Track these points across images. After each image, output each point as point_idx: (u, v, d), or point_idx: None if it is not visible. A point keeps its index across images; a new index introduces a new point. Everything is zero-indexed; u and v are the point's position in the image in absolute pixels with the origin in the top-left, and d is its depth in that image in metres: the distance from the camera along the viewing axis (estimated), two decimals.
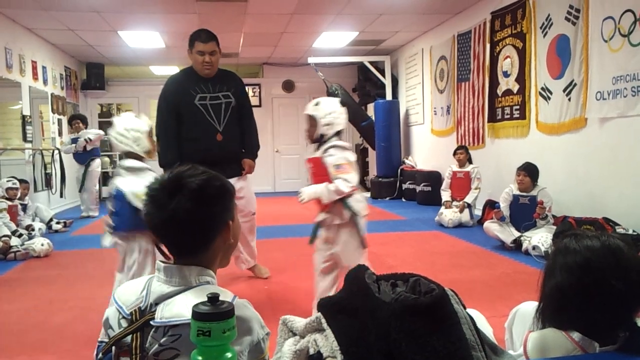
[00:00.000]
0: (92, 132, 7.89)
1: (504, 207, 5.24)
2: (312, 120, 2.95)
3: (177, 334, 1.15)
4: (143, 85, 11.61)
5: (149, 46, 9.21)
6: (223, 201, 1.28)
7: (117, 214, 2.73)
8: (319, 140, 2.96)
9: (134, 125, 2.84)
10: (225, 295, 1.18)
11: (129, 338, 1.17)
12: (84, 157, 7.79)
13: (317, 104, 2.97)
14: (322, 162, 2.89)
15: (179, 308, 1.16)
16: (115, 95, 11.51)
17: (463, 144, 7.65)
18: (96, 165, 7.95)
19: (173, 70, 11.78)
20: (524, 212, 5.10)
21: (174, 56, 10.29)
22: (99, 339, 1.26)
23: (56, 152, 8.22)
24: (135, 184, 2.63)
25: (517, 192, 5.20)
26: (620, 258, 1.33)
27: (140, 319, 1.18)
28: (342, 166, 2.82)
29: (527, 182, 5.12)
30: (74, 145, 7.74)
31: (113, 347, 1.18)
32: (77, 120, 7.83)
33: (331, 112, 2.94)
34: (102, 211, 8.76)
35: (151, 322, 1.17)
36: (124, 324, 1.21)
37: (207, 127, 3.75)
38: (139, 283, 1.29)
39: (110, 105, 12.12)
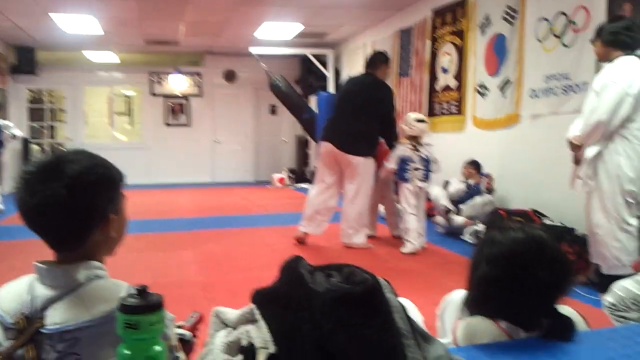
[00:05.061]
0: (16, 130, 7.36)
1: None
2: None
3: (73, 337, 1.06)
4: (77, 72, 11.14)
5: (84, 31, 8.81)
6: (105, 191, 1.15)
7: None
8: None
9: None
10: (120, 287, 1.12)
11: (21, 351, 1.08)
12: None
13: None
14: None
15: (70, 311, 1.08)
16: (46, 80, 10.99)
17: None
18: (7, 156, 7.36)
19: (110, 56, 11.22)
20: None
21: (111, 41, 9.91)
22: None
23: None
24: None
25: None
26: (544, 248, 1.38)
27: (29, 328, 1.08)
28: None
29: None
30: None
31: None
32: None
33: None
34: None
35: (42, 330, 1.07)
36: (10, 335, 1.10)
37: None
38: (21, 287, 1.16)
39: (41, 91, 11.57)
